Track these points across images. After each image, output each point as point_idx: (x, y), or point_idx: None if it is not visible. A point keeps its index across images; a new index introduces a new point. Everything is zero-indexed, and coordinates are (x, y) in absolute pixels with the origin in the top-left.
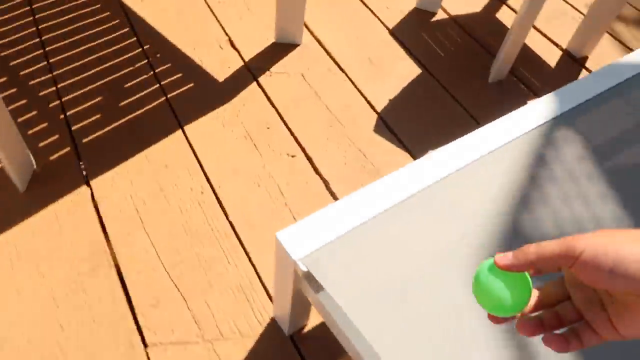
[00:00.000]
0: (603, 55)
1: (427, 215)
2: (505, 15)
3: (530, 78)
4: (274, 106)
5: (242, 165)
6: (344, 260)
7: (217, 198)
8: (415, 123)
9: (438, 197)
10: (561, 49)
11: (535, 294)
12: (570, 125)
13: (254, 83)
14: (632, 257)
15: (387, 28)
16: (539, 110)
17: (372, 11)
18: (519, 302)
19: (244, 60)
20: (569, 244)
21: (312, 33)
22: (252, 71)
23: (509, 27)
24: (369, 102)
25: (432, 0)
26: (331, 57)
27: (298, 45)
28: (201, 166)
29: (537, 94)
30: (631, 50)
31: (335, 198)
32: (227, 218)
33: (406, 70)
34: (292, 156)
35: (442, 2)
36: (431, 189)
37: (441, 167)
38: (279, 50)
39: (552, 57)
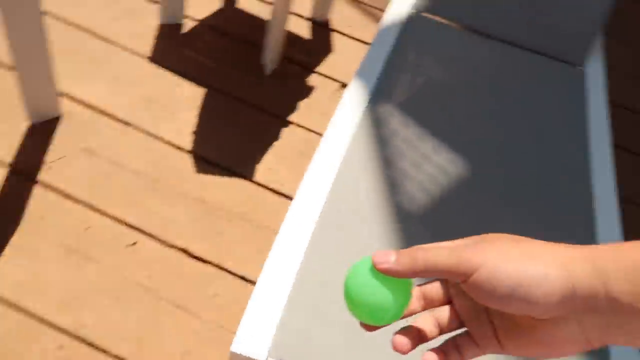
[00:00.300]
0: (342, 14)
1: (337, 243)
2: (249, 4)
3: (298, 55)
4: (78, 201)
5: (72, 286)
6: (304, 329)
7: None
8: (229, 143)
9: (334, 223)
10: (307, 19)
11: (413, 293)
12: (388, 102)
13: (38, 187)
14: (534, 281)
15: (146, 57)
16: (354, 101)
17: (119, 45)
18: (396, 310)
19: (8, 166)
20: (464, 258)
21: (68, 96)
22: (24, 175)
23: (258, 14)
24: (173, 145)
25: (174, 11)
26: (105, 114)
27: (59, 117)
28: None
29: (311, 68)
30: (362, 2)
31: (197, 259)
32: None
33: (189, 94)
34: (133, 244)
35: (184, 11)
36: (323, 221)
37: (314, 201)
38: (40, 133)
39: (304, 29)
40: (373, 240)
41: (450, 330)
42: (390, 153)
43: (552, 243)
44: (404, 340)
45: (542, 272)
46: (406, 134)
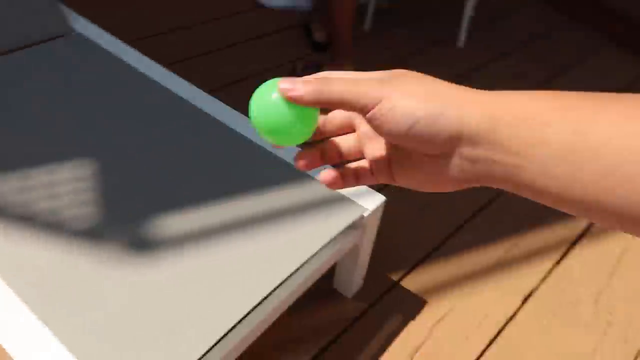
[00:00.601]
0: None
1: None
2: None
3: None
4: None
5: None
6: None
7: None
8: None
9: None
10: None
11: (320, 118)
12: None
13: None
14: (430, 119)
15: None
16: None
17: None
18: (302, 133)
19: None
20: (368, 91)
21: None
22: None
23: None
24: None
25: None
26: None
27: None
28: None
29: None
30: None
31: None
32: None
33: None
34: None
35: None
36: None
37: None
38: None
39: None
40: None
41: (350, 158)
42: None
43: (453, 85)
44: (307, 157)
45: (438, 111)
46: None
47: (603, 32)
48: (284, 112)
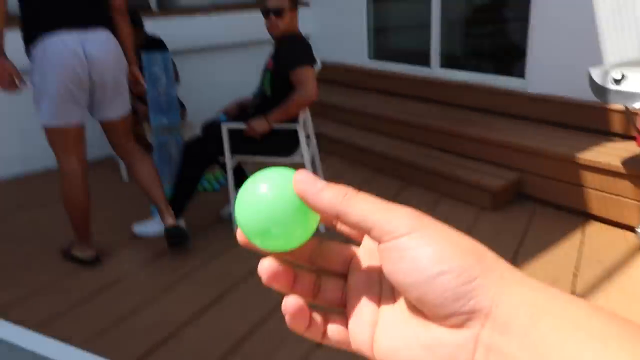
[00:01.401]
0: None
1: None
2: None
3: None
4: None
5: None
6: None
7: None
8: None
9: None
10: None
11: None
12: None
13: None
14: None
15: None
16: None
17: None
18: (303, 235)
19: None
20: (397, 218)
21: None
22: None
23: None
24: None
25: None
26: None
27: None
28: None
29: None
30: None
31: None
32: None
33: None
34: None
35: None
36: None
37: None
38: None
39: None
40: None
41: (325, 303)
42: None
43: (491, 252)
44: (270, 276)
45: (474, 272)
46: None
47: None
48: (290, 211)
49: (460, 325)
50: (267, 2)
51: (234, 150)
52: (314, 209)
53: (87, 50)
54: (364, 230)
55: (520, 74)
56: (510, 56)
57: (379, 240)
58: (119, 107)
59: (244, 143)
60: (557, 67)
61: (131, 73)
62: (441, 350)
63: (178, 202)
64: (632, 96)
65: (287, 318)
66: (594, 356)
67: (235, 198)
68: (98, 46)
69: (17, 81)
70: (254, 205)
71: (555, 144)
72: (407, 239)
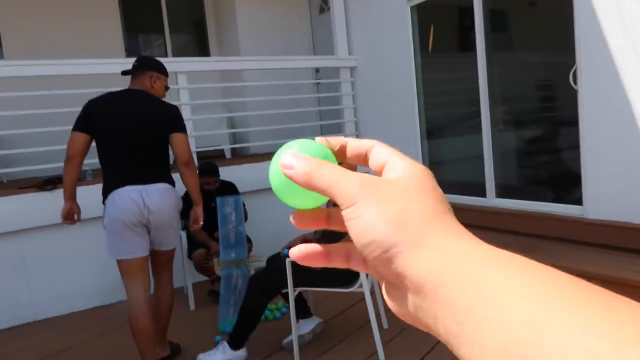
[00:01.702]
0: None
1: None
2: None
3: None
4: None
5: None
6: None
7: None
8: None
9: None
10: None
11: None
12: None
13: None
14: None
15: None
16: None
17: None
18: (307, 202)
19: None
20: (353, 192)
21: None
22: None
23: None
24: None
25: None
26: None
27: None
28: None
29: None
30: None
31: None
32: None
33: None
34: None
35: None
36: None
37: None
38: None
39: None
40: None
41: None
42: None
43: (431, 213)
44: (307, 217)
45: (393, 240)
46: None
47: None
48: (285, 182)
49: (399, 285)
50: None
51: (297, 283)
52: (293, 181)
53: (145, 199)
54: (332, 199)
55: (578, 200)
56: (566, 184)
57: (341, 208)
58: (165, 243)
59: (305, 275)
60: (613, 192)
61: (194, 212)
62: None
63: (241, 332)
64: None
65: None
66: (509, 286)
67: (297, 328)
68: (154, 196)
69: (76, 217)
70: (271, 174)
71: (620, 268)
72: (351, 210)
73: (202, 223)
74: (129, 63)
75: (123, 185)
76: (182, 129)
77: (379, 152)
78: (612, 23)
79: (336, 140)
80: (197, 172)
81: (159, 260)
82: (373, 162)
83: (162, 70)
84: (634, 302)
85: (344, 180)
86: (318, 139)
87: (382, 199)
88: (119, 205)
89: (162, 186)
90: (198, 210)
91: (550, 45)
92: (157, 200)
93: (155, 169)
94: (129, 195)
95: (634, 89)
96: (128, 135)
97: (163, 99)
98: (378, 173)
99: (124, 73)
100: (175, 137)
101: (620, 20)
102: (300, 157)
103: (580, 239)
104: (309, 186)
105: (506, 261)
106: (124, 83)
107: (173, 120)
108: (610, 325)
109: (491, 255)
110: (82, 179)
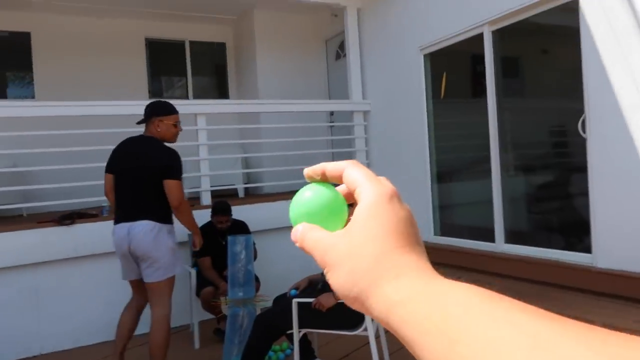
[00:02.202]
0: None
1: None
2: None
3: None
4: None
5: None
6: None
7: None
8: None
9: None
10: None
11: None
12: None
13: None
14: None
15: None
16: None
17: None
18: (334, 222)
19: None
20: (323, 259)
21: None
22: None
23: None
24: None
25: None
26: None
27: None
28: None
29: None
30: None
31: None
32: None
33: None
34: None
35: None
36: None
37: None
38: None
39: None
40: None
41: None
42: None
43: (380, 259)
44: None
45: (353, 296)
46: None
47: None
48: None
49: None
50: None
51: (302, 324)
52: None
53: (130, 235)
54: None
55: (587, 249)
56: (576, 231)
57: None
58: (147, 275)
59: (311, 317)
60: (623, 241)
61: (193, 239)
62: None
63: None
64: None
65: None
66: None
67: None
68: (135, 232)
69: None
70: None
71: (628, 320)
72: (324, 273)
73: (202, 248)
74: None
75: (118, 221)
76: (174, 175)
77: (349, 176)
78: (620, 75)
79: (319, 167)
80: (190, 209)
81: (149, 291)
82: (347, 185)
83: (163, 112)
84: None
85: (315, 250)
86: (306, 171)
87: (336, 267)
88: (114, 239)
89: (145, 223)
90: (195, 237)
91: (560, 92)
92: (137, 235)
93: (145, 208)
94: (119, 230)
95: None
96: (128, 176)
97: (168, 142)
98: (352, 195)
99: (139, 122)
100: (166, 184)
101: (629, 73)
102: (296, 229)
103: (589, 288)
104: (303, 249)
105: (451, 297)
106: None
107: (167, 166)
108: (523, 315)
109: (432, 293)
110: (99, 214)
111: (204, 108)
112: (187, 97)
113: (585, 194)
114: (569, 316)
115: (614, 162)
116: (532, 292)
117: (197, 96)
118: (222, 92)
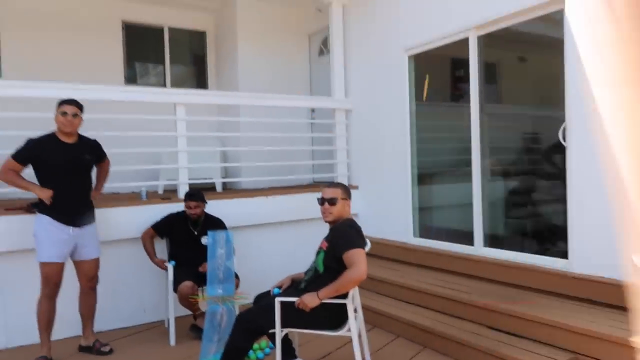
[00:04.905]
0: None
1: None
2: None
3: None
4: None
5: None
6: None
7: None
8: None
9: None
10: None
11: None
12: None
13: None
14: None
15: None
16: None
17: None
18: None
19: None
20: None
21: None
22: None
23: None
24: None
25: None
26: None
27: None
28: None
29: None
30: None
31: None
32: None
33: None
34: None
35: None
36: None
37: None
38: None
39: None
40: None
41: None
42: None
43: None
44: None
45: None
46: None
47: None
48: None
49: None
50: (323, 193)
51: (284, 323)
52: None
53: None
54: None
55: (564, 254)
56: (553, 237)
57: None
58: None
59: (294, 316)
60: (599, 248)
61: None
62: None
63: None
64: None
65: None
66: None
67: None
68: None
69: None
70: None
71: (602, 324)
72: None
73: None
74: (128, 90)
75: None
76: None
77: None
78: (602, 86)
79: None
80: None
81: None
82: None
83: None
84: None
85: None
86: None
87: None
88: None
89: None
90: (95, 193)
91: (542, 100)
92: None
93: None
94: None
95: (621, 149)
96: None
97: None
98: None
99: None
100: None
101: (612, 84)
102: None
103: (564, 292)
104: None
105: None
106: (121, 108)
107: None
108: None
109: None
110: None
111: (185, 98)
112: (164, 85)
113: (563, 200)
114: (545, 320)
115: (592, 170)
116: (509, 295)
117: (174, 85)
118: (200, 83)
